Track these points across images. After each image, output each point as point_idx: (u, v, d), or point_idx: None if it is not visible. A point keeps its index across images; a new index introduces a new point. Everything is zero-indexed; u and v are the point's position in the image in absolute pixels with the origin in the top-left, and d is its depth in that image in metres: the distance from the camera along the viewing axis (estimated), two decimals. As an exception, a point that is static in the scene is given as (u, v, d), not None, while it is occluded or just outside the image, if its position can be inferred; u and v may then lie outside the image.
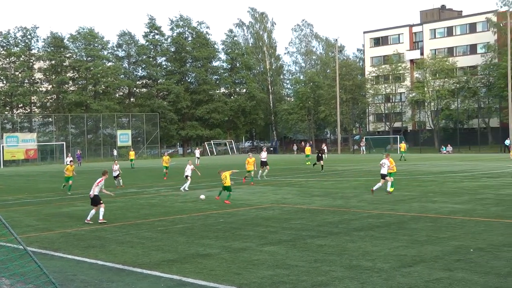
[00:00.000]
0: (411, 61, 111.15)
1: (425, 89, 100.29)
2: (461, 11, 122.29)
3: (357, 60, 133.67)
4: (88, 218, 20.81)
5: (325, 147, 50.07)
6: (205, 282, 11.76)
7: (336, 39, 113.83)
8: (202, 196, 26.52)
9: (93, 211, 20.84)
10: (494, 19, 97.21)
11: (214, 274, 12.44)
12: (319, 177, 40.29)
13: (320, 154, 48.21)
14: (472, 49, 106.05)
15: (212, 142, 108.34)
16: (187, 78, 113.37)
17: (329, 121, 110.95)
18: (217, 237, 17.11)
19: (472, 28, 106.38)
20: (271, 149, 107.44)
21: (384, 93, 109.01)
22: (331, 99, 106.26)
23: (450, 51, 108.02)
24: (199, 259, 14.01)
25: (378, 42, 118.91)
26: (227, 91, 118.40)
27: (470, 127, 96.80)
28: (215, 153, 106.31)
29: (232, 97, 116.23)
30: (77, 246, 16.31)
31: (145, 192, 33.04)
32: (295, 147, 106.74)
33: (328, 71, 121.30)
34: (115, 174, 36.95)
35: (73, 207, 26.28)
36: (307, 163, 55.96)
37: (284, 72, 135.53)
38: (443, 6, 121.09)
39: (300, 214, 21.36)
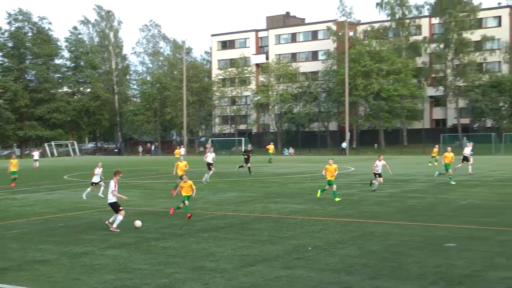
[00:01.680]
0: (257, 65, 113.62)
1: (270, 92, 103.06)
2: (304, 19, 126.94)
3: (205, 62, 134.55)
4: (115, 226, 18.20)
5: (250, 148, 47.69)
6: (42, 289, 11.27)
7: (184, 41, 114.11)
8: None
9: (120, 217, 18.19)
10: (334, 28, 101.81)
11: (53, 280, 11.96)
12: (164, 179, 40.09)
13: (247, 156, 44.12)
14: (314, 55, 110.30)
15: (52, 143, 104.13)
16: (26, 76, 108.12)
17: (175, 122, 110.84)
18: (56, 242, 16.46)
19: (314, 35, 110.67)
20: (116, 150, 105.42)
21: (230, 95, 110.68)
22: (178, 100, 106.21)
23: (294, 56, 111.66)
24: (36, 265, 13.40)
25: (225, 45, 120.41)
26: (70, 91, 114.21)
27: (311, 130, 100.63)
28: (56, 155, 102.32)
29: (75, 97, 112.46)
30: None
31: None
32: (140, 149, 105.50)
33: (175, 72, 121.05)
34: None
35: None
36: (269, 162, 56.39)
37: (131, 72, 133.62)
38: (288, 13, 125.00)
39: (144, 216, 21.09)
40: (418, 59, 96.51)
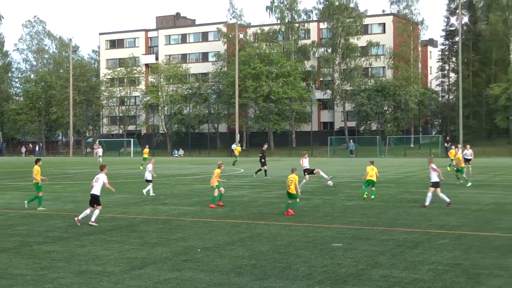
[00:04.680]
0: (146, 65, 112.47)
1: (159, 93, 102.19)
2: (195, 20, 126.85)
3: (92, 61, 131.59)
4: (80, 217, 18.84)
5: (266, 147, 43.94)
6: None
7: (71, 39, 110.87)
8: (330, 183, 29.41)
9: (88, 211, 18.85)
10: (224, 30, 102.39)
11: None
12: (49, 181, 38.73)
13: (262, 160, 40.23)
14: (204, 57, 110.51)
15: None
16: None
17: (61, 122, 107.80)
18: None
19: (205, 37, 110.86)
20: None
21: (119, 96, 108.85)
22: (64, 100, 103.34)
23: (184, 57, 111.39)
24: None
25: (114, 44, 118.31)
26: None
27: (201, 132, 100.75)
28: None
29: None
30: None
31: None
32: (23, 149, 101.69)
33: (61, 71, 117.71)
34: None
35: None
36: (232, 165, 54.05)
37: (13, 70, 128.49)
38: (178, 14, 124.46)
39: (27, 219, 20.28)
40: (306, 63, 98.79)
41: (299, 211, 21.56)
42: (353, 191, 28.77)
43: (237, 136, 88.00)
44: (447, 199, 22.11)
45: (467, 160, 37.59)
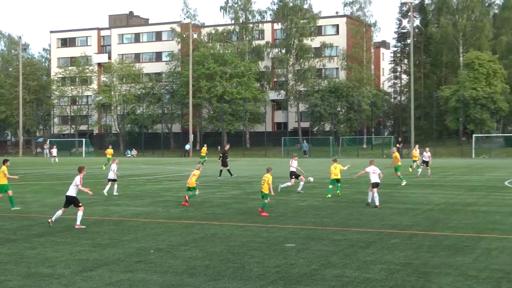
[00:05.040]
0: (99, 64, 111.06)
1: (112, 93, 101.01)
2: (148, 19, 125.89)
3: (43, 60, 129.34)
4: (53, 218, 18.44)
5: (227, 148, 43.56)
6: None
7: (20, 37, 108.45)
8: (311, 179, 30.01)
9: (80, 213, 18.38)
10: (178, 29, 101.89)
11: None
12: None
13: (224, 160, 39.84)
14: (158, 56, 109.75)
15: None
16: None
17: (10, 122, 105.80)
18: None
19: (158, 36, 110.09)
20: None
21: (71, 95, 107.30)
22: (14, 99, 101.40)
23: (137, 57, 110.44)
24: None
25: (65, 43, 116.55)
26: None
27: (155, 132, 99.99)
28: None
29: None
30: None
31: None
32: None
33: (10, 69, 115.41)
34: None
35: None
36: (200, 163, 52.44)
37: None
38: (131, 13, 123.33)
39: (-26, 221, 19.80)
40: (260, 63, 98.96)
41: (253, 212, 21.56)
42: (306, 191, 28.89)
43: (191, 137, 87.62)
44: (377, 202, 22.58)
45: (425, 162, 39.33)
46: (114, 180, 28.28)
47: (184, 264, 12.95)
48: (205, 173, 43.66)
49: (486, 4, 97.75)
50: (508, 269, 12.35)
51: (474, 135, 77.88)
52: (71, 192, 18.41)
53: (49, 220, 18.37)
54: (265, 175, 21.15)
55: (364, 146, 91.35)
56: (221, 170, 39.34)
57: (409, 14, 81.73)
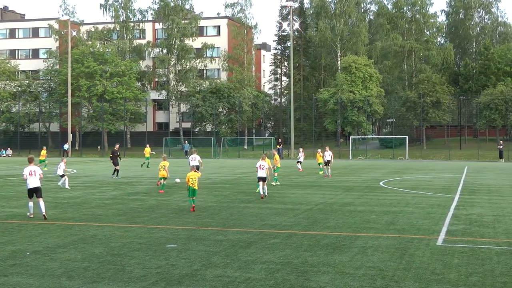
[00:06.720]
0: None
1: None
2: (24, 15, 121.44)
3: None
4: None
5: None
6: None
7: None
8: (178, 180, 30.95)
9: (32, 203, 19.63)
10: (56, 26, 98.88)
11: None
12: None
13: (114, 160, 39.68)
14: (35, 53, 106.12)
15: None
16: None
17: None
18: None
19: (35, 32, 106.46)
20: None
21: None
22: None
23: (13, 53, 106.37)
24: None
25: None
26: None
27: (31, 131, 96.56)
28: None
29: None
30: None
31: None
32: None
33: None
34: None
35: None
36: (147, 167, 49.94)
37: None
38: (5, 7, 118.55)
39: None
40: (141, 63, 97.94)
41: (133, 212, 21.36)
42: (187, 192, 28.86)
43: (70, 136, 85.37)
44: (262, 192, 25.79)
45: (327, 162, 40.44)
46: (62, 176, 27.97)
47: (62, 267, 12.65)
48: (85, 173, 42.68)
49: (362, 10, 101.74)
50: (382, 266, 12.91)
51: (351, 137, 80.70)
52: (38, 182, 19.66)
53: (28, 214, 19.91)
54: (190, 174, 22.23)
55: (245, 147, 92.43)
56: (117, 170, 38.81)
57: (289, 17, 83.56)
